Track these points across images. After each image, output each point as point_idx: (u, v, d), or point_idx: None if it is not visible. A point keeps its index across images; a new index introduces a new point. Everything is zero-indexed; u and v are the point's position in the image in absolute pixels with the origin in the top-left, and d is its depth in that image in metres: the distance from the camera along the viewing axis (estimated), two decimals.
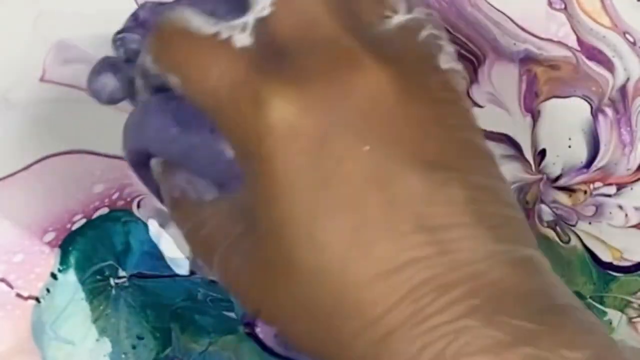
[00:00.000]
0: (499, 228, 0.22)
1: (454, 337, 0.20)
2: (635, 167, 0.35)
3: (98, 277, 0.33)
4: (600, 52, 0.35)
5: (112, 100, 0.27)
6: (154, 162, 0.26)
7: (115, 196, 0.32)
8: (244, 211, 0.23)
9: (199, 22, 0.23)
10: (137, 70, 0.25)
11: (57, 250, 0.32)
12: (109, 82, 0.26)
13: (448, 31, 0.34)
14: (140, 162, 0.26)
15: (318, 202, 0.21)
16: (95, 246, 0.32)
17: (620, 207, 0.35)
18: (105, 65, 0.27)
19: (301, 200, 0.21)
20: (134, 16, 0.27)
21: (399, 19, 0.23)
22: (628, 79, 0.35)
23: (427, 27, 0.24)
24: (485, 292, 0.21)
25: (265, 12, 0.22)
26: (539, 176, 0.35)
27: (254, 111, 0.22)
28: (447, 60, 0.24)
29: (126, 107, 0.32)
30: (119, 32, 0.27)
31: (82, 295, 0.32)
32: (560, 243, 0.35)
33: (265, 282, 0.22)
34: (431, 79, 0.23)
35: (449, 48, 0.24)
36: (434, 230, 0.21)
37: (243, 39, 0.22)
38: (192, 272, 0.33)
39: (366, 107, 0.22)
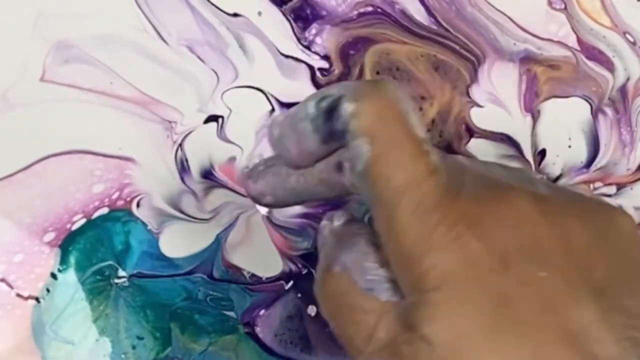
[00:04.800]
0: None
1: None
2: (635, 167, 0.35)
3: (98, 277, 0.33)
4: (600, 52, 0.35)
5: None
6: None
7: (115, 196, 0.32)
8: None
9: (416, 121, 0.23)
10: None
11: (57, 250, 0.32)
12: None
13: (448, 31, 0.34)
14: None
15: (499, 321, 0.22)
16: (95, 246, 0.32)
17: (620, 207, 0.35)
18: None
19: (482, 317, 0.22)
20: None
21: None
22: (628, 79, 0.35)
23: None
24: None
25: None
26: (539, 176, 0.35)
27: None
28: None
29: (127, 107, 0.32)
30: None
31: (82, 295, 0.32)
32: None
33: None
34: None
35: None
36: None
37: (435, 158, 0.23)
38: (191, 272, 0.33)
39: (538, 235, 0.23)
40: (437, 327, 0.22)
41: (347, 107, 0.23)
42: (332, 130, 0.23)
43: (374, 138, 0.23)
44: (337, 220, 0.27)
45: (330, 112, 0.23)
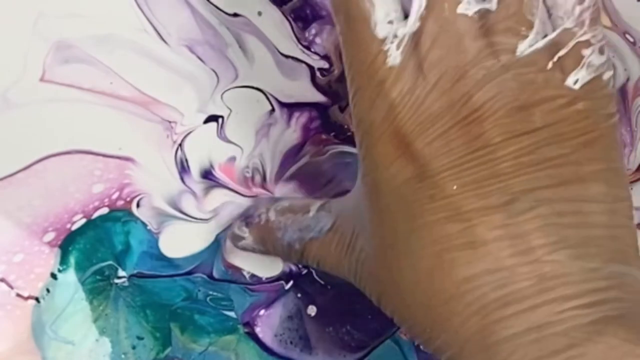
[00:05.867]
0: (578, 247, 0.24)
1: (512, 351, 0.23)
2: (635, 167, 0.35)
3: (98, 277, 0.33)
4: None
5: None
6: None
7: (115, 196, 0.32)
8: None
9: (382, 15, 0.24)
10: None
11: (57, 250, 0.32)
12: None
13: None
14: None
15: (412, 232, 0.25)
16: (95, 246, 0.32)
17: None
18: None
19: (400, 228, 0.25)
20: None
21: (532, 42, 0.24)
22: (628, 79, 0.35)
23: (565, 45, 0.24)
24: (547, 307, 0.23)
25: (416, 27, 0.24)
26: None
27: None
28: (584, 74, 0.24)
29: (127, 107, 0.32)
30: None
31: (82, 295, 0.32)
32: None
33: (379, 285, 0.27)
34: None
35: (594, 55, 0.24)
36: (515, 244, 0.24)
37: (395, 58, 0.24)
38: (191, 272, 0.33)
39: (467, 149, 0.24)
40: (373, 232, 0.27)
41: None
42: None
43: (341, 33, 0.25)
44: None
45: None
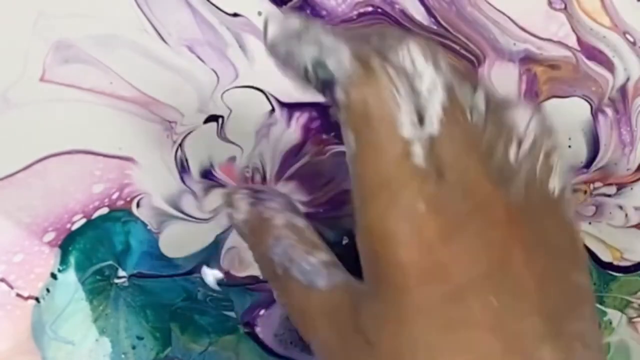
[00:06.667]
0: None
1: None
2: (635, 167, 0.35)
3: (98, 277, 0.33)
4: (600, 52, 0.35)
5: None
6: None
7: (115, 196, 0.32)
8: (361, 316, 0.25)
9: (406, 119, 0.23)
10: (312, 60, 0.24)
11: (57, 250, 0.32)
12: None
13: (447, 31, 0.34)
14: None
15: (442, 343, 0.23)
16: (95, 246, 0.32)
17: (620, 207, 0.35)
18: None
19: (427, 336, 0.23)
20: None
21: (523, 148, 0.25)
22: (628, 79, 0.35)
23: (543, 153, 0.25)
24: None
25: (435, 131, 0.23)
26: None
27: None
28: (560, 180, 0.25)
29: (127, 107, 0.32)
30: None
31: (82, 295, 0.32)
32: None
33: None
34: (551, 223, 0.25)
35: (560, 162, 0.25)
36: None
37: (419, 158, 0.23)
38: (191, 272, 0.33)
39: (498, 264, 0.23)
40: (384, 334, 0.24)
41: (339, 94, 0.23)
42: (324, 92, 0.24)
43: (358, 135, 0.23)
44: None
45: (324, 83, 0.24)
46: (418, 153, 0.23)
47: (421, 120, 0.23)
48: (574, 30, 0.35)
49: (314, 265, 0.26)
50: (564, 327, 0.24)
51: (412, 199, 0.23)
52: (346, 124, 0.24)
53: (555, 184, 0.25)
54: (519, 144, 0.25)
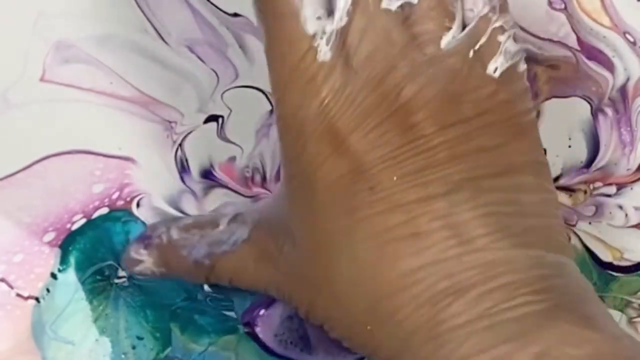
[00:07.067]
0: (520, 236, 0.24)
1: (465, 339, 0.22)
2: (635, 167, 0.35)
3: (98, 277, 0.33)
4: (600, 52, 0.35)
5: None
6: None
7: (115, 196, 0.32)
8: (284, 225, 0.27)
9: (310, 14, 0.24)
10: None
11: (57, 250, 0.32)
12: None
13: None
14: None
15: (352, 226, 0.24)
16: (95, 246, 0.32)
17: (620, 207, 0.35)
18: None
19: (338, 224, 0.24)
20: None
21: (455, 34, 0.25)
22: (628, 79, 0.35)
23: (484, 32, 0.25)
24: (497, 294, 0.23)
25: (344, 22, 0.24)
26: None
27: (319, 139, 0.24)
28: (502, 61, 0.25)
29: (127, 107, 0.32)
30: None
31: (82, 295, 0.32)
32: None
33: (311, 290, 0.26)
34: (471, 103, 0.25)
35: (509, 42, 0.25)
36: (458, 233, 0.24)
37: (325, 54, 0.24)
38: None
39: (402, 140, 0.24)
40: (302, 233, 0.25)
41: None
42: None
43: (268, 30, 0.25)
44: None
45: None
46: (323, 48, 0.24)
47: (331, 13, 0.24)
48: (574, 30, 0.35)
49: (225, 232, 0.29)
50: (483, 184, 0.24)
51: (316, 93, 0.24)
52: (258, 19, 0.25)
53: (498, 64, 0.25)
54: (462, 25, 0.25)
